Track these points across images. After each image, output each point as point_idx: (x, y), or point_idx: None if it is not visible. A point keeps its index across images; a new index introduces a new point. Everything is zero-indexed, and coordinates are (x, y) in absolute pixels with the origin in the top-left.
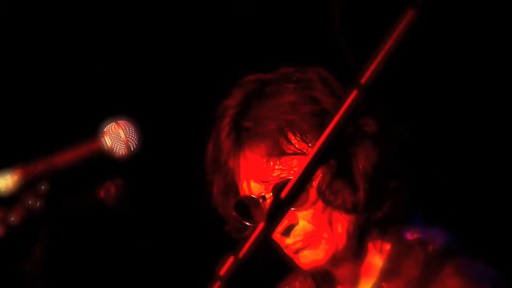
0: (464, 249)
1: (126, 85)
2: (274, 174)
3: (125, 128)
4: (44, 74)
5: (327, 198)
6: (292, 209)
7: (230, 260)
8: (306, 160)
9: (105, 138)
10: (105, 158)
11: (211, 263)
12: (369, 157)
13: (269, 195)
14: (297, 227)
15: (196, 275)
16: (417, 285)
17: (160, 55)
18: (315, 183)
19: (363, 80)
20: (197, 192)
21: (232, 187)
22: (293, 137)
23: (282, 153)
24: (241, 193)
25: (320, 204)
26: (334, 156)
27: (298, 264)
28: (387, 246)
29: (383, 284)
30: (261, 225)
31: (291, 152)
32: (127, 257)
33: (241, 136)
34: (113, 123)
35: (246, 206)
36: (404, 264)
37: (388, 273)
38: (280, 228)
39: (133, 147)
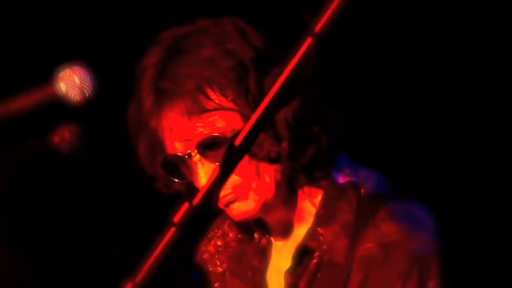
0: (396, 191)
1: (80, 31)
2: (197, 132)
3: (80, 74)
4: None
5: (251, 150)
6: (217, 163)
7: (185, 207)
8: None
9: (60, 84)
10: (60, 103)
11: (165, 210)
12: (291, 104)
13: (194, 153)
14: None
15: (151, 221)
16: (352, 230)
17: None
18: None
19: (317, 29)
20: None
21: (157, 147)
22: (212, 93)
23: (202, 110)
24: (168, 151)
25: (245, 156)
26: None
27: (231, 217)
28: (319, 192)
29: (318, 228)
30: (215, 175)
31: (211, 108)
32: (80, 203)
33: (161, 97)
34: (68, 69)
35: (174, 164)
36: (338, 208)
37: (323, 218)
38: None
39: (88, 94)
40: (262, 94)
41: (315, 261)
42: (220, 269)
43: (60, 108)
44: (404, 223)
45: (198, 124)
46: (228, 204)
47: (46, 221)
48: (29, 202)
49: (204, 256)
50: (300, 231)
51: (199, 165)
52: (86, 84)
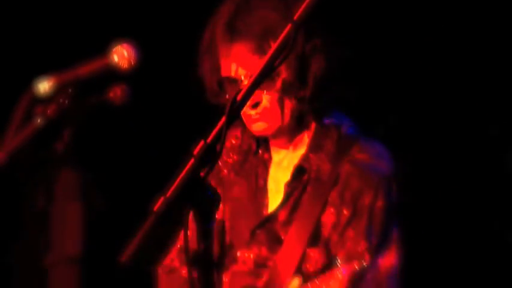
0: (361, 132)
1: (130, 13)
2: (253, 66)
3: (127, 49)
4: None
5: (286, 88)
6: (264, 91)
7: (201, 144)
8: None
9: (113, 55)
10: (113, 70)
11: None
12: (320, 66)
13: (245, 80)
14: (260, 104)
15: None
16: (334, 157)
17: None
18: (281, 77)
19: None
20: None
21: (216, 67)
22: (272, 43)
23: (263, 53)
24: (224, 73)
25: (279, 91)
26: (296, 60)
27: (251, 131)
28: (313, 128)
29: (310, 154)
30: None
31: None
32: (130, 142)
33: (233, 33)
34: (119, 45)
35: (227, 83)
36: (324, 141)
37: (313, 147)
38: (249, 102)
39: (133, 63)
40: (303, 56)
41: (306, 177)
42: (226, 172)
43: (114, 73)
44: (372, 154)
45: (256, 61)
46: (254, 121)
47: (105, 155)
48: (93, 141)
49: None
50: (297, 154)
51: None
52: (131, 56)
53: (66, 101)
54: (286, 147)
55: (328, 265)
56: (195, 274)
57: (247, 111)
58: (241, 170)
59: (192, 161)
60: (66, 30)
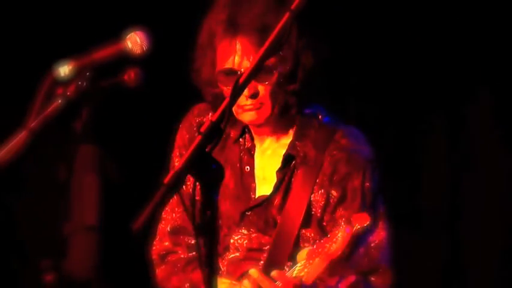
0: (336, 120)
1: (142, 2)
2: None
3: (140, 36)
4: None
5: (280, 81)
6: (266, 82)
7: (207, 122)
8: (261, 50)
9: (127, 42)
10: (127, 54)
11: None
12: (308, 61)
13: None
14: (258, 95)
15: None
16: (318, 144)
17: None
18: (278, 70)
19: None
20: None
21: (216, 61)
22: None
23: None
24: (222, 66)
25: (274, 84)
26: (291, 56)
27: (240, 119)
28: (296, 118)
29: (296, 142)
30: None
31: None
32: (140, 120)
33: (236, 25)
34: (133, 32)
35: (227, 74)
36: (307, 129)
37: (299, 135)
38: (248, 93)
39: (145, 48)
40: (296, 52)
41: (294, 162)
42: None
43: (127, 57)
44: (354, 140)
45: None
46: (247, 110)
47: (119, 132)
48: (109, 119)
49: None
50: (281, 143)
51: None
52: (143, 42)
53: (85, 83)
54: (270, 136)
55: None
56: (201, 240)
57: (242, 101)
58: (220, 156)
59: (199, 137)
60: (85, 18)
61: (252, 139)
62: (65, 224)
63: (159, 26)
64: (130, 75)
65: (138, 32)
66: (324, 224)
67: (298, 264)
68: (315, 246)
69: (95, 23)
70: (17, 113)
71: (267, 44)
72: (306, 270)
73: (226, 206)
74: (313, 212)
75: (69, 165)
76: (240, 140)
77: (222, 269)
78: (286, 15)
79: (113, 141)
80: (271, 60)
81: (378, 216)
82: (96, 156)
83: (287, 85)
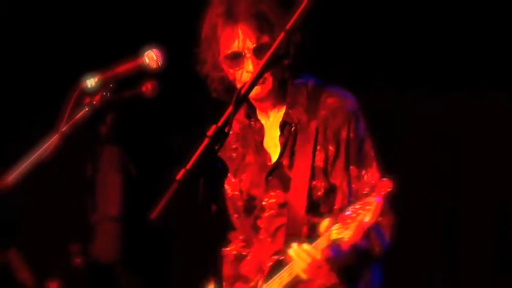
0: (326, 83)
1: (159, 22)
2: (255, 41)
3: (156, 53)
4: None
5: (278, 59)
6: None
7: (213, 127)
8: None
9: (145, 58)
10: (145, 69)
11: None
12: (299, 39)
13: (248, 53)
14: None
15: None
16: (308, 108)
17: None
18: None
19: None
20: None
21: (220, 51)
22: (269, 22)
23: (263, 30)
24: (230, 50)
25: (273, 63)
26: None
27: (248, 96)
28: (288, 89)
29: (289, 111)
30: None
31: (267, 31)
32: (155, 124)
33: (235, 15)
34: (149, 50)
35: (233, 58)
36: (297, 97)
37: (291, 104)
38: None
39: (160, 64)
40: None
41: (293, 128)
42: (234, 146)
43: (145, 72)
44: (339, 96)
45: (259, 37)
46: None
47: (139, 135)
48: (130, 124)
49: (225, 147)
50: (280, 113)
51: (249, 61)
52: (159, 59)
53: (108, 94)
54: (272, 109)
55: (329, 190)
56: (214, 219)
57: (247, 78)
58: (245, 142)
59: (206, 140)
60: (108, 38)
61: (258, 120)
62: (92, 214)
63: (173, 44)
64: (148, 87)
65: (154, 50)
66: (328, 174)
67: (334, 227)
68: (347, 213)
69: (117, 41)
70: (51, 119)
71: (265, 59)
72: (343, 234)
73: (254, 179)
74: (317, 166)
75: (95, 164)
76: (252, 123)
77: (261, 227)
78: (282, 35)
79: (133, 143)
80: (268, 42)
81: (370, 158)
82: (119, 156)
83: (282, 61)
